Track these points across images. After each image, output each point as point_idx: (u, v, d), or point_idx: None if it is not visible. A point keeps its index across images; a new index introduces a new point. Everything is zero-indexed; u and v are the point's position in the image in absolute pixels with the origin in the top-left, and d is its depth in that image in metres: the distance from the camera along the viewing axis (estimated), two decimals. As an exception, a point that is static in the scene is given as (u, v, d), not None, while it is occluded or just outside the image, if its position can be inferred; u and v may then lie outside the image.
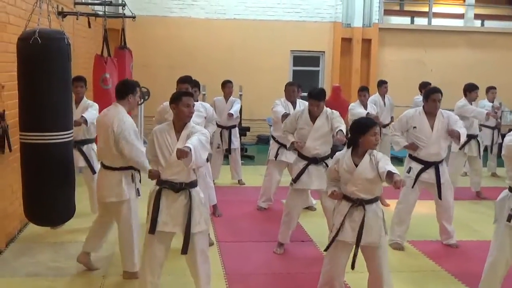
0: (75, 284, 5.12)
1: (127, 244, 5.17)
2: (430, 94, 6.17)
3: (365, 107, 9.04)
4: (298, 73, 14.59)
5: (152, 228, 4.45)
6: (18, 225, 6.44)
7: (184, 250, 4.47)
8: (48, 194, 4.10)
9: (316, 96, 5.86)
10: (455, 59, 14.58)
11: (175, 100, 4.50)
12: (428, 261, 6.00)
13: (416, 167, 6.22)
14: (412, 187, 6.21)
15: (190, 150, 4.12)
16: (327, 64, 14.63)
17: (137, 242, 5.21)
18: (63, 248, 6.06)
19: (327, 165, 5.75)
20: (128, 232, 5.14)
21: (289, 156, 7.25)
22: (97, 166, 6.67)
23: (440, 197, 6.22)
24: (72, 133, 4.23)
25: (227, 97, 9.53)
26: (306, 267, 5.74)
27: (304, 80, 14.54)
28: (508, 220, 4.49)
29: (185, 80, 6.20)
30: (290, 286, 5.23)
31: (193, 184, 4.55)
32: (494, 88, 9.96)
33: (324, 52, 14.65)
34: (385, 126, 9.50)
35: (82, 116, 6.31)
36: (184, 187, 4.48)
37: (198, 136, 4.35)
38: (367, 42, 14.40)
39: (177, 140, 4.45)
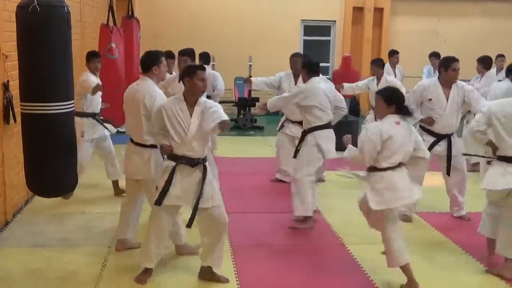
0: (80, 254, 5.12)
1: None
2: (450, 63, 5.94)
3: None
4: (309, 43, 14.43)
5: (159, 201, 4.39)
6: (25, 196, 6.45)
7: (190, 223, 4.43)
8: (49, 164, 4.05)
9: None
10: (469, 29, 14.31)
11: (189, 73, 4.38)
12: (436, 233, 5.95)
13: (429, 139, 6.01)
14: None
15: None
16: (338, 33, 14.43)
17: None
18: (70, 218, 6.09)
19: None
20: None
21: (293, 130, 7.14)
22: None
23: (448, 172, 6.10)
24: (73, 103, 4.17)
25: None
26: (312, 239, 5.71)
27: (315, 50, 14.43)
28: None
29: (185, 52, 6.29)
30: (295, 258, 5.19)
31: (206, 158, 4.53)
32: (502, 56, 9.74)
33: (335, 21, 14.44)
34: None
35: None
36: (200, 162, 4.44)
37: (220, 110, 4.39)
38: (379, 11, 14.17)
39: (190, 116, 4.36)
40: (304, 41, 14.47)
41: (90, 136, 6.63)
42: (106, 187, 6.99)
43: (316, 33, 14.66)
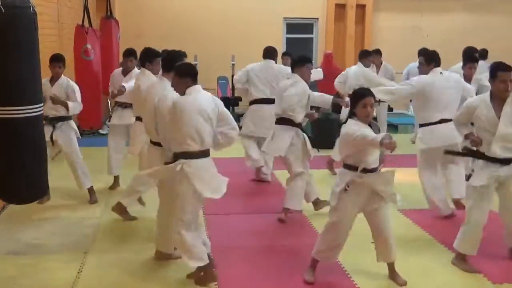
0: (56, 261, 4.99)
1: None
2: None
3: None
4: (291, 41, 14.32)
5: None
6: (1, 202, 6.28)
7: None
8: (17, 170, 3.93)
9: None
10: (451, 24, 14.26)
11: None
12: (419, 230, 5.88)
13: None
14: None
15: None
16: (321, 31, 14.32)
17: None
18: (46, 224, 5.95)
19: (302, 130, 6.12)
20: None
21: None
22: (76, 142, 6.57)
23: None
24: (41, 107, 4.04)
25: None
26: (294, 240, 5.63)
27: (298, 47, 14.33)
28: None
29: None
30: (276, 259, 5.10)
31: None
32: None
33: (317, 19, 14.33)
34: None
35: (66, 102, 6.29)
36: None
37: None
38: (361, 7, 14.06)
39: None
40: (287, 39, 14.35)
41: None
42: (82, 191, 6.81)
43: (299, 31, 14.55)
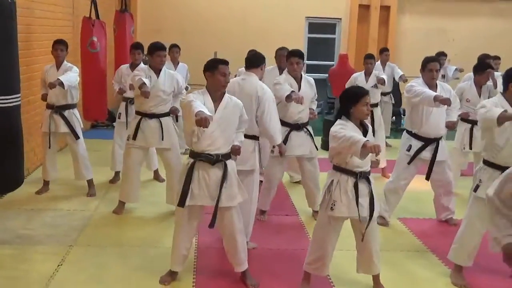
0: (39, 253, 4.96)
1: (247, 215, 4.99)
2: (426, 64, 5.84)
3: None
4: (313, 41, 14.14)
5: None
6: (-5, 191, 6.30)
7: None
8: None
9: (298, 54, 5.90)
10: (477, 28, 13.89)
11: (210, 68, 4.34)
12: (415, 240, 5.67)
13: (417, 144, 5.71)
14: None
15: None
16: (344, 31, 14.08)
17: (254, 214, 5.23)
18: (38, 215, 5.92)
19: (308, 131, 5.90)
20: (251, 203, 5.09)
21: None
22: (80, 131, 6.54)
23: (428, 176, 5.81)
24: (17, 97, 3.99)
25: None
26: (285, 243, 5.49)
27: (320, 47, 14.17)
28: (475, 190, 4.51)
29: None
30: (267, 262, 4.97)
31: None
32: (498, 58, 9.29)
33: (340, 19, 14.11)
34: (386, 94, 9.27)
35: (58, 78, 6.08)
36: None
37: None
38: (385, 9, 13.79)
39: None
40: (309, 38, 14.17)
41: (43, 129, 6.51)
42: (82, 183, 6.81)
43: (321, 30, 14.36)
